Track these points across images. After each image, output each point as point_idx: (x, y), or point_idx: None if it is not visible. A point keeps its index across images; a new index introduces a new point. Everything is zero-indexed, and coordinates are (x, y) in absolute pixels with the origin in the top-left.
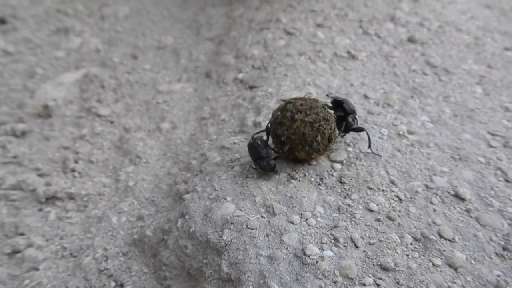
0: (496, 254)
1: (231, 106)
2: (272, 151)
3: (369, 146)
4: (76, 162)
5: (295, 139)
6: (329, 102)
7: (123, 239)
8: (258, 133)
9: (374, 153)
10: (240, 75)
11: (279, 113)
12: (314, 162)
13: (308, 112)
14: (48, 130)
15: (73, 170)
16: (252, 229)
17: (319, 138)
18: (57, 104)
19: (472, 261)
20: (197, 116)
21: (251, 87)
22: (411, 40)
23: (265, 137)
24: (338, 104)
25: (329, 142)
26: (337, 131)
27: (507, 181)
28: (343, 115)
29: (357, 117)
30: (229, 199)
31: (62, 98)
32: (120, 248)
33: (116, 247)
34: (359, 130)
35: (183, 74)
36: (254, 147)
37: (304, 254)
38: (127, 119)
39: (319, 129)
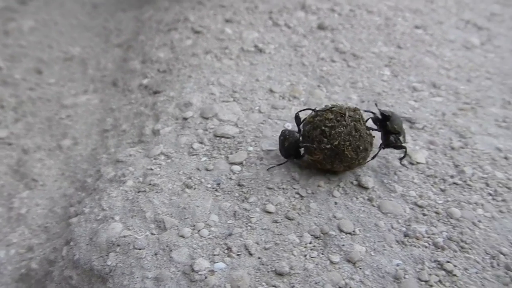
0: (397, 242)
1: (133, 115)
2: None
3: (400, 160)
4: None
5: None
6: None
7: (10, 275)
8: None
9: (402, 164)
10: (145, 81)
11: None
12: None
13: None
14: None
15: None
16: (140, 249)
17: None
18: None
19: (372, 253)
20: (99, 129)
21: (155, 92)
22: (321, 27)
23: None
24: (384, 119)
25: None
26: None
27: (411, 163)
28: (386, 130)
29: (401, 138)
30: (117, 218)
31: None
32: (7, 286)
33: (2, 285)
34: (400, 148)
35: (89, 85)
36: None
37: (193, 270)
38: (26, 140)
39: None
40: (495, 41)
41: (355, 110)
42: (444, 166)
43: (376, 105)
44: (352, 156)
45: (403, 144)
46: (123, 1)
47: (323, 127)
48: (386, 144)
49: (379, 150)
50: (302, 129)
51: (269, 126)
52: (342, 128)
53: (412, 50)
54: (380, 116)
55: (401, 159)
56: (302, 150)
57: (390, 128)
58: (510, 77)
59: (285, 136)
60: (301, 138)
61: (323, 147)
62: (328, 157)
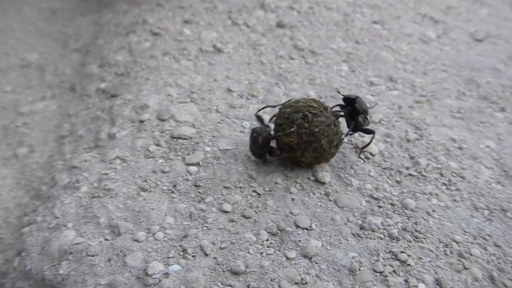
0: (353, 235)
1: (90, 119)
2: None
3: (361, 150)
4: None
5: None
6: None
7: None
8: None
9: (361, 158)
10: (103, 85)
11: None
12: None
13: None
14: None
15: None
16: (93, 256)
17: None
18: None
19: (328, 247)
20: (56, 136)
21: (112, 96)
22: (279, 25)
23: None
24: (350, 103)
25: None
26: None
27: (367, 157)
28: (353, 113)
29: (368, 117)
30: (70, 225)
31: None
32: None
33: None
34: (369, 132)
35: (47, 92)
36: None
37: (147, 274)
38: None
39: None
40: (451, 34)
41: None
42: (400, 158)
43: (339, 92)
44: (325, 148)
45: (371, 129)
46: (81, 5)
47: (306, 112)
48: (354, 127)
49: (346, 135)
50: (269, 124)
51: (227, 125)
52: (324, 119)
53: (369, 45)
54: (344, 103)
55: (362, 148)
56: (274, 144)
57: (358, 109)
58: (465, 69)
59: (258, 132)
60: (272, 132)
61: (302, 132)
62: (303, 143)
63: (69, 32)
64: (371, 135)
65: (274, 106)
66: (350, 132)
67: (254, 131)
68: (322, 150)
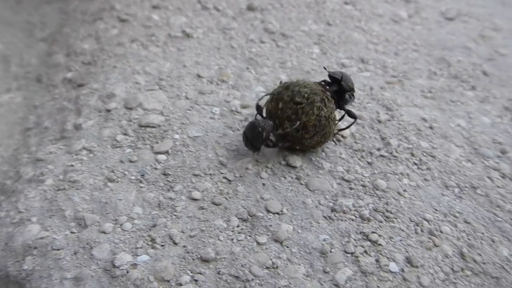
0: (324, 217)
1: (56, 110)
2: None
3: (343, 128)
4: None
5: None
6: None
7: None
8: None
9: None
10: (69, 75)
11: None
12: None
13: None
14: None
15: None
16: (58, 250)
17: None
18: None
19: (299, 231)
20: (22, 128)
21: (79, 86)
22: (250, 8)
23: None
24: (335, 81)
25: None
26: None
27: (338, 140)
28: (339, 90)
29: (354, 94)
30: (34, 219)
31: None
32: None
33: None
34: (352, 116)
35: (12, 83)
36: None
37: (114, 266)
38: None
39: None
40: (423, 13)
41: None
42: (371, 140)
43: (325, 68)
44: (331, 133)
45: (355, 113)
46: None
47: (323, 96)
48: (341, 104)
49: (342, 117)
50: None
51: (196, 112)
52: (333, 105)
53: (341, 27)
54: (330, 80)
55: (340, 130)
56: (272, 138)
57: (345, 86)
58: (436, 48)
59: (262, 127)
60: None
61: (322, 115)
62: (314, 126)
63: (34, 21)
64: (353, 120)
65: (273, 94)
66: (338, 110)
67: (257, 125)
68: (328, 135)
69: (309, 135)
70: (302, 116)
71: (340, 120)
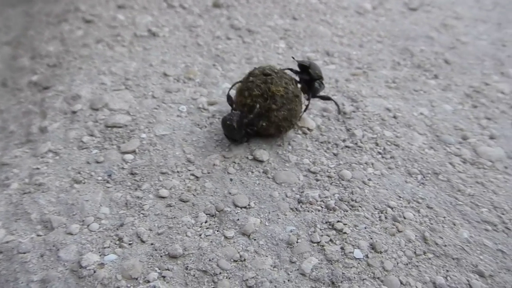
0: (291, 209)
1: (22, 114)
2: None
3: (339, 112)
4: None
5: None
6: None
7: None
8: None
9: (344, 113)
10: (34, 78)
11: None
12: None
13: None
14: None
15: None
16: (24, 253)
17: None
18: None
19: (266, 223)
20: None
21: (44, 88)
22: (216, 5)
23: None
24: (304, 69)
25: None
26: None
27: (304, 133)
28: (309, 79)
29: (323, 82)
30: None
31: None
32: None
33: None
34: (327, 98)
35: None
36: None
37: (81, 266)
38: None
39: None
40: (387, 4)
41: None
42: (337, 131)
43: (293, 58)
44: (298, 112)
45: (328, 95)
46: None
47: (292, 78)
48: (313, 93)
49: (309, 102)
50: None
51: (163, 110)
52: (299, 90)
53: (307, 21)
54: (299, 69)
55: (339, 112)
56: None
57: (313, 75)
58: (399, 39)
59: (230, 119)
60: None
61: (289, 89)
62: (281, 97)
63: None
64: (331, 102)
65: (241, 82)
66: (310, 97)
67: (226, 120)
68: (295, 115)
69: (277, 106)
70: (271, 85)
71: (305, 111)
